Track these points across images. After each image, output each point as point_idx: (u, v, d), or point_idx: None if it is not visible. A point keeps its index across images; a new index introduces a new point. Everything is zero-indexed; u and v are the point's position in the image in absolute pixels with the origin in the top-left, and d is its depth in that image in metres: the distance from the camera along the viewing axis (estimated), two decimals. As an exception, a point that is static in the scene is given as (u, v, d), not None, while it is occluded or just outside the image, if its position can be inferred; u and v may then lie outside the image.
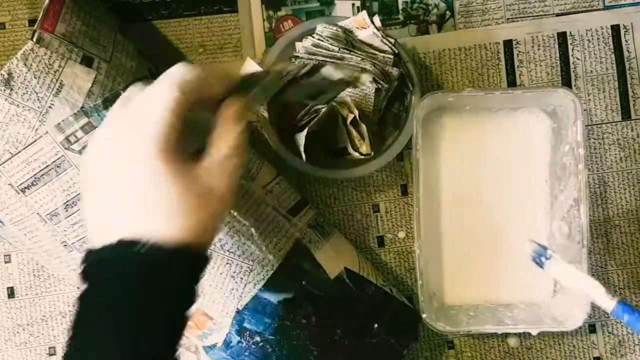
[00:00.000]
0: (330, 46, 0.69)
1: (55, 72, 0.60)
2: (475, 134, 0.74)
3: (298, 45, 0.70)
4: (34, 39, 0.60)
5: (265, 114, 0.69)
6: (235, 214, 0.65)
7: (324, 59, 0.69)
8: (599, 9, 0.76)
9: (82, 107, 0.61)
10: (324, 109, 0.67)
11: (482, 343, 0.75)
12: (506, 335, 0.75)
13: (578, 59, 0.76)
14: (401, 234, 0.75)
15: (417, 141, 0.68)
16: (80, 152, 0.61)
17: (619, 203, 0.75)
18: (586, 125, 0.74)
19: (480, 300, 0.73)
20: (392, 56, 0.69)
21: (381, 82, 0.69)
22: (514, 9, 0.76)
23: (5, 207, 0.63)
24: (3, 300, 0.75)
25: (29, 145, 0.61)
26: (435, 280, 0.73)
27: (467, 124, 0.74)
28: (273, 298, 0.65)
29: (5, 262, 0.75)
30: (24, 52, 0.60)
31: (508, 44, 0.76)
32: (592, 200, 0.75)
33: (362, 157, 0.69)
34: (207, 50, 0.75)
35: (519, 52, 0.76)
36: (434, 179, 0.74)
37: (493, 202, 0.74)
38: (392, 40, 0.70)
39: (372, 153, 0.69)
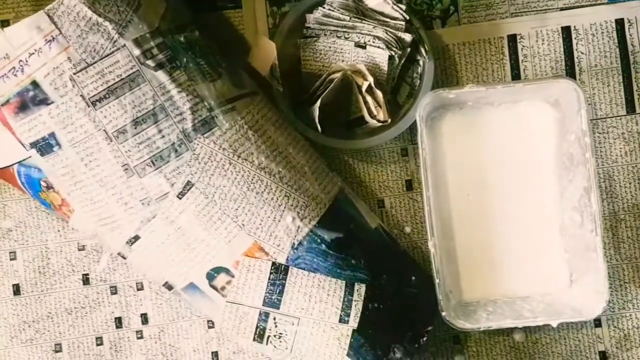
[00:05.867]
0: (341, 16, 0.70)
1: None
2: (480, 129, 0.74)
3: (309, 17, 0.71)
4: None
5: (280, 88, 0.69)
6: (291, 150, 0.67)
7: (335, 28, 0.69)
8: (603, 3, 0.76)
9: (157, 27, 0.63)
10: (337, 77, 0.68)
11: (488, 337, 0.75)
12: (512, 329, 0.75)
13: (582, 53, 0.76)
14: (407, 229, 0.75)
15: (422, 139, 0.68)
16: (154, 68, 0.62)
17: (624, 197, 0.75)
18: (591, 120, 0.74)
19: (498, 295, 0.74)
20: (403, 22, 0.70)
21: (394, 49, 0.69)
22: (518, 4, 0.76)
23: (70, 122, 0.62)
24: (9, 297, 0.75)
25: (105, 57, 0.61)
26: (450, 277, 0.73)
27: (470, 120, 0.74)
28: (327, 236, 0.66)
29: (11, 259, 0.75)
30: None
31: (512, 39, 0.76)
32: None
33: (380, 124, 0.69)
34: (211, 46, 0.75)
35: (524, 46, 0.76)
36: (441, 177, 0.74)
37: (502, 196, 0.74)
38: (403, 7, 0.70)
39: (389, 120, 0.69)
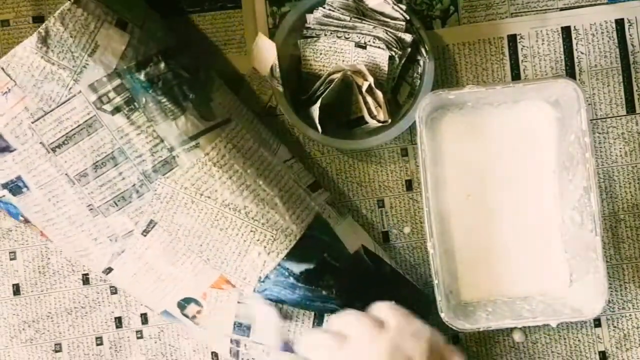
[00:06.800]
0: (341, 16, 0.70)
1: (91, 32, 0.62)
2: (480, 129, 0.74)
3: (309, 17, 0.71)
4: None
5: (281, 88, 0.69)
6: (261, 182, 0.66)
7: (335, 29, 0.69)
8: (603, 3, 0.76)
9: (115, 69, 0.62)
10: (338, 78, 0.68)
11: (488, 337, 0.75)
12: (511, 329, 0.75)
13: (582, 53, 0.76)
14: (406, 229, 0.75)
15: (422, 141, 0.68)
16: (112, 112, 0.62)
17: (624, 197, 0.75)
18: (591, 120, 0.74)
19: (497, 295, 0.74)
20: (403, 23, 0.70)
21: (394, 49, 0.69)
22: (518, 4, 0.76)
23: (34, 167, 0.63)
24: (9, 297, 0.75)
25: (62, 104, 0.62)
26: (450, 278, 0.73)
27: (470, 120, 0.74)
28: (295, 268, 0.65)
29: (11, 259, 0.75)
30: (62, 11, 0.61)
31: (512, 39, 0.76)
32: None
33: (380, 124, 0.69)
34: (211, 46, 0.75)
35: (523, 46, 0.76)
36: (441, 177, 0.74)
37: (502, 196, 0.74)
38: (404, 7, 0.70)
39: (389, 120, 0.69)
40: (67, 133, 0.62)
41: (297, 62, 0.72)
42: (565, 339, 0.75)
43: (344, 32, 0.70)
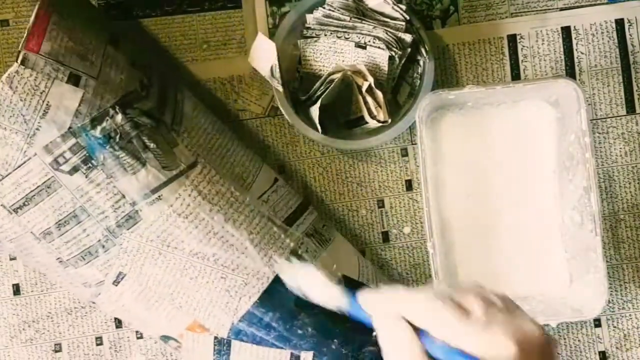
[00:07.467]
0: (341, 16, 0.70)
1: (41, 93, 0.60)
2: (479, 129, 0.74)
3: (309, 17, 0.71)
4: (19, 61, 0.60)
5: (281, 88, 0.69)
6: (229, 227, 0.65)
7: (335, 29, 0.69)
8: (603, 3, 0.76)
9: (69, 128, 0.61)
10: (338, 78, 0.68)
11: (488, 338, 0.75)
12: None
13: (582, 53, 0.76)
14: (406, 230, 0.75)
15: (422, 141, 0.68)
16: (69, 172, 0.61)
17: (624, 197, 0.75)
18: (591, 120, 0.74)
19: None
20: (403, 23, 0.70)
21: (394, 49, 0.69)
22: (518, 4, 0.76)
23: (0, 225, 0.63)
24: (9, 297, 0.75)
25: (18, 167, 0.61)
26: (449, 278, 0.73)
27: (470, 120, 0.74)
28: (269, 310, 0.65)
29: (11, 259, 0.75)
30: (9, 75, 0.59)
31: (512, 39, 0.76)
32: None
33: (379, 124, 0.69)
34: (211, 46, 0.75)
35: (523, 46, 0.76)
36: (441, 177, 0.74)
37: (502, 196, 0.74)
38: (403, 7, 0.70)
39: (389, 120, 0.69)
40: (26, 195, 0.61)
41: (297, 62, 0.72)
42: (565, 339, 0.75)
43: (344, 32, 0.70)
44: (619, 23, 0.76)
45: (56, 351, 0.75)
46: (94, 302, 0.68)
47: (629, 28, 0.76)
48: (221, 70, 0.75)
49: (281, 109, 0.71)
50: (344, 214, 0.75)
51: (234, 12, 0.75)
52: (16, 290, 0.75)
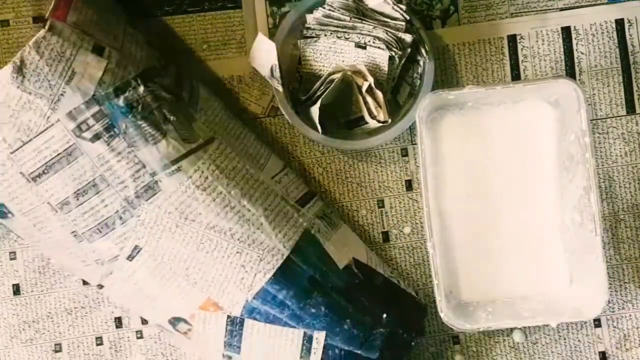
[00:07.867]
0: (341, 16, 0.70)
1: (67, 60, 0.61)
2: (479, 129, 0.74)
3: (309, 17, 0.71)
4: (46, 27, 0.60)
5: (281, 88, 0.69)
6: (245, 202, 0.65)
7: (335, 29, 0.69)
8: (603, 3, 0.76)
9: (93, 95, 0.61)
10: (338, 78, 0.68)
11: (488, 338, 0.75)
12: (511, 330, 0.75)
13: (582, 53, 0.76)
14: (406, 229, 0.75)
15: (422, 141, 0.68)
16: (91, 140, 0.61)
17: (624, 197, 0.75)
18: (591, 120, 0.74)
19: (497, 295, 0.74)
20: (403, 23, 0.70)
21: (394, 49, 0.69)
22: (518, 4, 0.76)
23: (15, 196, 0.63)
24: (9, 297, 0.75)
25: (40, 133, 0.61)
26: (450, 278, 0.73)
27: (470, 120, 0.74)
28: (284, 287, 0.65)
29: (11, 259, 0.75)
30: (37, 40, 0.60)
31: (512, 39, 0.76)
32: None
33: (379, 124, 0.69)
34: (211, 46, 0.75)
35: (523, 46, 0.76)
36: (441, 177, 0.74)
37: (502, 196, 0.74)
38: (404, 7, 0.70)
39: (389, 120, 0.69)
40: (46, 162, 0.62)
41: (297, 62, 0.72)
42: (565, 339, 0.75)
43: (344, 32, 0.70)
44: (619, 23, 0.76)
45: (56, 351, 0.75)
46: (102, 286, 0.68)
47: (629, 28, 0.76)
48: (221, 71, 0.75)
49: (281, 109, 0.71)
50: (344, 214, 0.75)
51: (234, 12, 0.76)
52: (16, 290, 0.75)
